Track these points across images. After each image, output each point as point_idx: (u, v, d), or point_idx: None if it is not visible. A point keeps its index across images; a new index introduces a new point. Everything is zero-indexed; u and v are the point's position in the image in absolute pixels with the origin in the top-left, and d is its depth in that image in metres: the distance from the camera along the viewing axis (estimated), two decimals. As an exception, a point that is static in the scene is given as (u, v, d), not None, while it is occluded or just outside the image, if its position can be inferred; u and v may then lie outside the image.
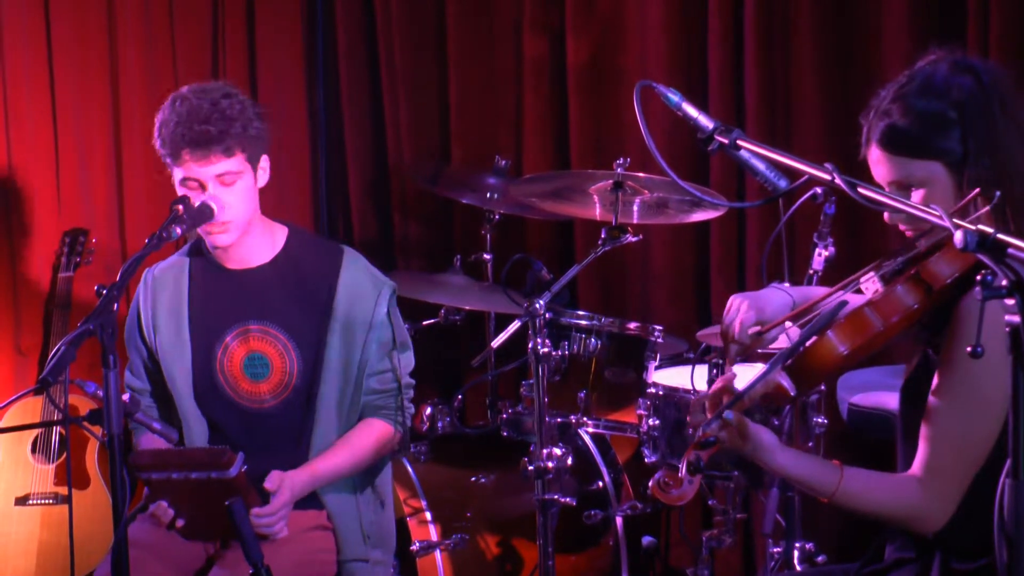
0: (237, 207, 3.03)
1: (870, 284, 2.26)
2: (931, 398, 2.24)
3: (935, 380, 2.24)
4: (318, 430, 3.13)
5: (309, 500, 3.10)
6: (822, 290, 2.54)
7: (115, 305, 2.54)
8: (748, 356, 2.47)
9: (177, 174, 3.02)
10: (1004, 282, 1.70)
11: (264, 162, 3.11)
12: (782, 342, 2.52)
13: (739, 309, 2.48)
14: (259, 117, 3.06)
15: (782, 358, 2.24)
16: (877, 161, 2.30)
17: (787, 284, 2.63)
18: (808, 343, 2.22)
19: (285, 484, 3.00)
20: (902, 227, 2.35)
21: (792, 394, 2.26)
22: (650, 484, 2.25)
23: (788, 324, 2.44)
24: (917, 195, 2.27)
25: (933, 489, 2.24)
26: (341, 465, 3.11)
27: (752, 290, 4.08)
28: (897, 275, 2.23)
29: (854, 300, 2.28)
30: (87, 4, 4.79)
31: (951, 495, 2.23)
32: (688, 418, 2.32)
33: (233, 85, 3.10)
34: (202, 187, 2.99)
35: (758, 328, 2.46)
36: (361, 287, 3.14)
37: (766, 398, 2.26)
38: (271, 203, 4.97)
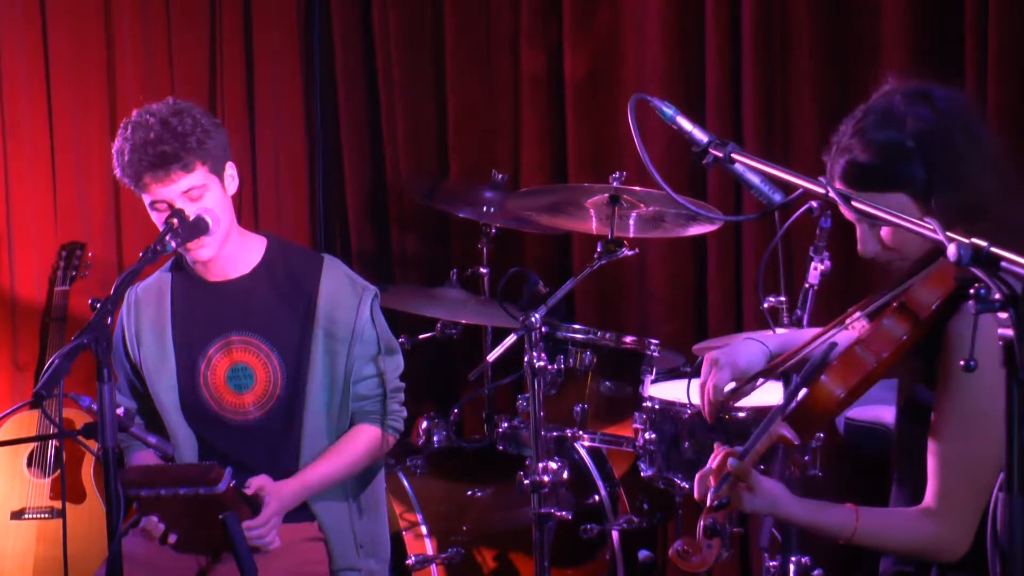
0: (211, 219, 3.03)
1: (857, 323, 2.27)
2: (934, 428, 2.24)
3: (935, 409, 2.23)
4: (306, 439, 3.12)
5: (300, 512, 3.10)
6: (799, 336, 2.55)
7: (110, 319, 2.55)
8: (726, 411, 2.47)
9: (146, 199, 3.03)
10: (998, 296, 1.70)
11: (230, 169, 3.11)
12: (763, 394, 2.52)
13: (712, 369, 2.48)
14: (215, 127, 3.06)
15: (781, 410, 2.25)
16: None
17: (767, 332, 2.61)
18: (803, 392, 2.23)
19: (272, 494, 3.00)
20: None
21: (796, 443, 2.26)
22: (670, 553, 2.27)
23: (760, 381, 2.45)
24: (886, 228, 2.28)
25: (949, 520, 2.23)
26: (331, 473, 3.11)
27: (749, 304, 4.14)
28: (882, 309, 2.24)
29: (843, 339, 2.27)
30: (85, 19, 4.80)
31: (967, 523, 2.22)
32: (695, 493, 2.34)
33: (182, 100, 3.09)
34: (171, 207, 2.99)
35: (733, 385, 2.46)
36: (342, 293, 3.14)
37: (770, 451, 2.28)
38: (270, 218, 5.04)
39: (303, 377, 3.11)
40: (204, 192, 3.01)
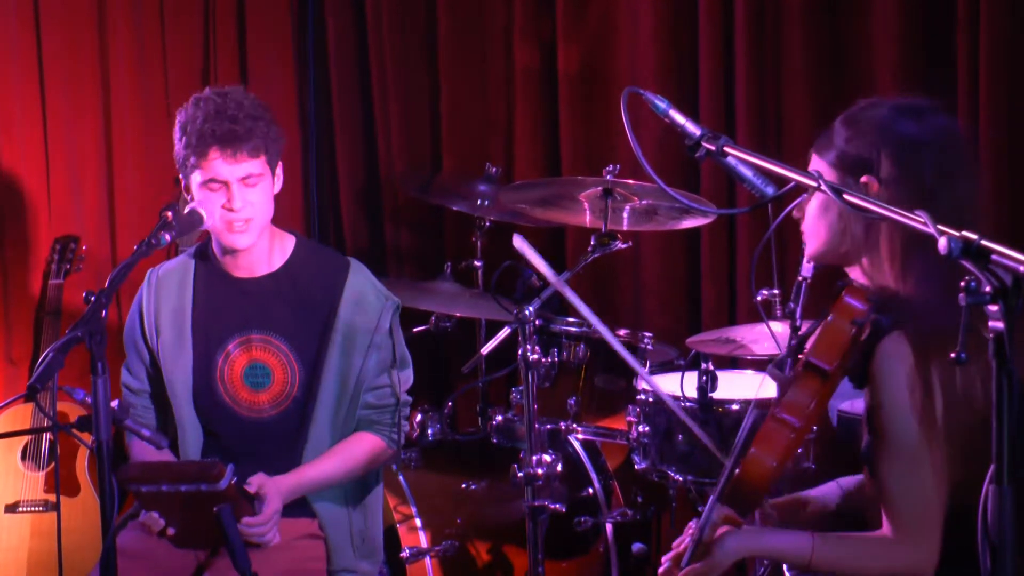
0: (259, 207, 3.03)
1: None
2: (877, 464, 2.28)
3: (874, 447, 2.28)
4: (311, 440, 3.13)
5: (301, 508, 3.10)
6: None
7: (104, 312, 2.54)
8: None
9: (197, 177, 2.99)
10: (988, 288, 1.70)
11: (279, 169, 3.11)
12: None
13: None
14: (276, 122, 3.07)
15: (717, 492, 2.28)
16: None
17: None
18: (737, 470, 2.26)
19: (274, 491, 2.99)
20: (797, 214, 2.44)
21: (741, 520, 2.31)
22: None
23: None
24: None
25: (910, 544, 2.26)
26: (329, 473, 3.11)
27: (743, 297, 4.14)
28: (792, 364, 2.29)
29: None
30: (78, 12, 4.79)
31: (930, 545, 2.25)
32: None
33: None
34: (226, 188, 2.98)
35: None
36: (365, 301, 3.14)
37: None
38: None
39: (317, 380, 3.11)
40: (259, 181, 3.01)
